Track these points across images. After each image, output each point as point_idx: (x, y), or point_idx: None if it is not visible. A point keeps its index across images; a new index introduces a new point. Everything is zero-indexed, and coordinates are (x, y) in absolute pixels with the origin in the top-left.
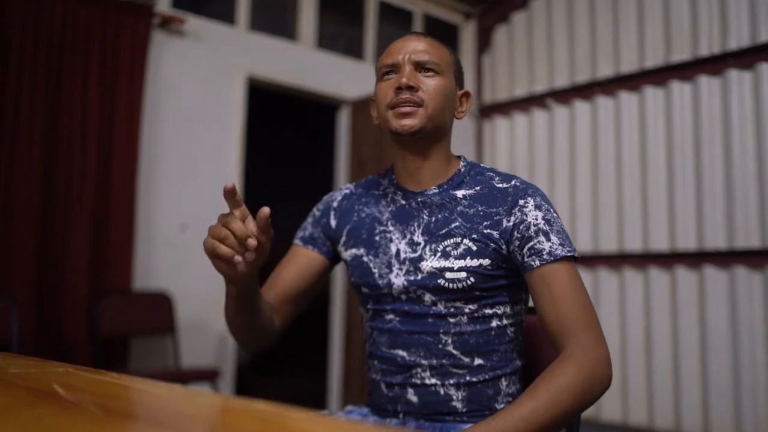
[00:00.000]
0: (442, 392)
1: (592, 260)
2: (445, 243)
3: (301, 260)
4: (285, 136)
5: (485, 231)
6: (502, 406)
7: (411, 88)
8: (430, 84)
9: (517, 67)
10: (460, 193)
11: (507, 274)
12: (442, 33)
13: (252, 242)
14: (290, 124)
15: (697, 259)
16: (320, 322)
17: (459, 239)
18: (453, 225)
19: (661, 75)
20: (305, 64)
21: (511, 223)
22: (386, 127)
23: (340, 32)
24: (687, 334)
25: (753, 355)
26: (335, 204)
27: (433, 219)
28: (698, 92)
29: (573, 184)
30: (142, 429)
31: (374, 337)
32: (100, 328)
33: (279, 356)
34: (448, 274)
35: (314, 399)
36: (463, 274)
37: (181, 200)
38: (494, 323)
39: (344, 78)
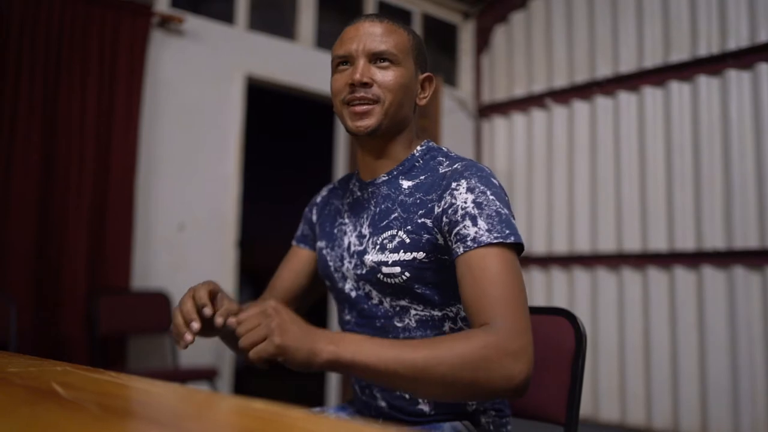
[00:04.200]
0: (407, 396)
1: (591, 260)
2: (383, 236)
3: (295, 260)
4: (284, 135)
5: (419, 221)
6: (474, 407)
7: (365, 85)
8: (386, 77)
9: (515, 66)
10: (405, 184)
11: (448, 268)
12: (441, 32)
13: (195, 326)
14: (289, 124)
15: (695, 259)
16: (318, 322)
17: (395, 231)
18: (392, 216)
19: (660, 75)
20: (304, 64)
21: (440, 209)
22: (343, 122)
23: (339, 32)
24: (685, 334)
25: (751, 355)
26: (318, 200)
27: (377, 210)
28: (697, 92)
29: (571, 184)
30: (141, 427)
31: None
32: (98, 327)
33: None
34: (384, 269)
35: (312, 399)
36: (398, 269)
37: (180, 199)
38: (447, 327)
39: None
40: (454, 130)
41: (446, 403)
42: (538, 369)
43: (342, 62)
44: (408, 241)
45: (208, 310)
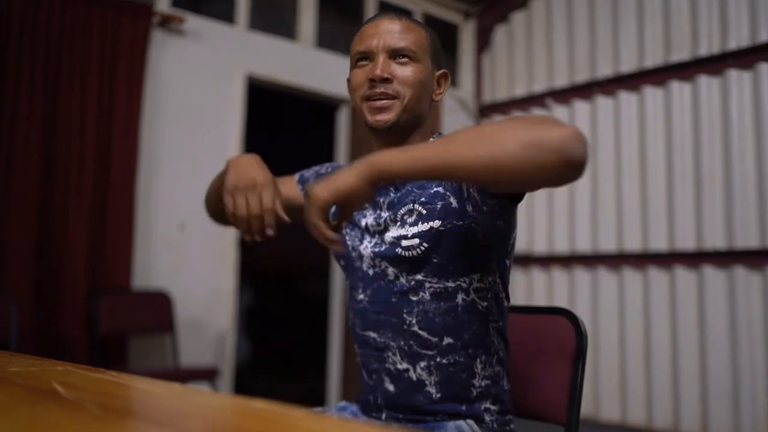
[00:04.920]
0: (414, 378)
1: (592, 260)
2: (401, 212)
3: (288, 190)
4: (284, 135)
5: (432, 190)
6: (479, 390)
7: (385, 80)
8: (405, 73)
9: (516, 66)
10: None
11: (464, 234)
12: (442, 32)
13: (269, 232)
14: (289, 123)
15: (696, 259)
16: (319, 321)
17: (411, 206)
18: (410, 196)
19: (660, 75)
20: (305, 64)
21: None
22: (362, 117)
23: (340, 31)
24: (686, 334)
25: (752, 355)
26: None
27: (398, 195)
28: (698, 92)
29: (572, 183)
30: (141, 427)
31: (352, 318)
32: (99, 327)
33: (278, 355)
34: (404, 242)
35: (313, 398)
36: (416, 241)
37: (180, 199)
38: (460, 298)
39: (344, 77)
40: (455, 130)
41: (451, 385)
42: (539, 368)
43: (361, 58)
44: (424, 212)
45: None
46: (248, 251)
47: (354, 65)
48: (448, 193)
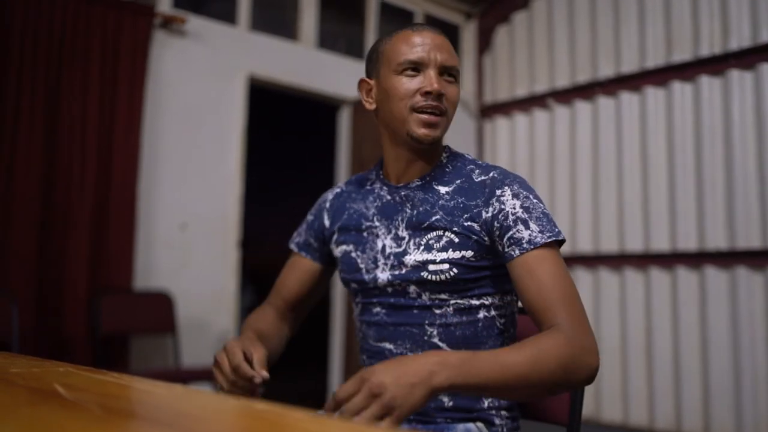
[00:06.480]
0: None
1: (593, 260)
2: (428, 236)
3: (299, 270)
4: (286, 136)
5: (466, 223)
6: (488, 401)
7: (439, 96)
8: (452, 92)
9: (517, 66)
10: (442, 189)
11: (492, 265)
12: (443, 33)
13: (257, 379)
14: (291, 124)
15: (698, 259)
16: (321, 322)
17: (441, 232)
18: (434, 218)
19: (662, 75)
20: (306, 64)
21: (489, 214)
22: (402, 127)
23: (341, 32)
24: (688, 335)
25: (753, 355)
26: (327, 204)
27: (415, 213)
28: (699, 92)
29: (574, 184)
30: (143, 428)
31: (363, 330)
32: (101, 327)
33: (279, 356)
34: (431, 267)
35: (315, 399)
36: (446, 266)
37: (182, 199)
38: (481, 314)
39: (345, 78)
40: (456, 131)
41: (463, 397)
42: None
43: (411, 68)
44: (457, 240)
45: (258, 379)
46: (249, 251)
47: (400, 73)
48: (482, 233)
